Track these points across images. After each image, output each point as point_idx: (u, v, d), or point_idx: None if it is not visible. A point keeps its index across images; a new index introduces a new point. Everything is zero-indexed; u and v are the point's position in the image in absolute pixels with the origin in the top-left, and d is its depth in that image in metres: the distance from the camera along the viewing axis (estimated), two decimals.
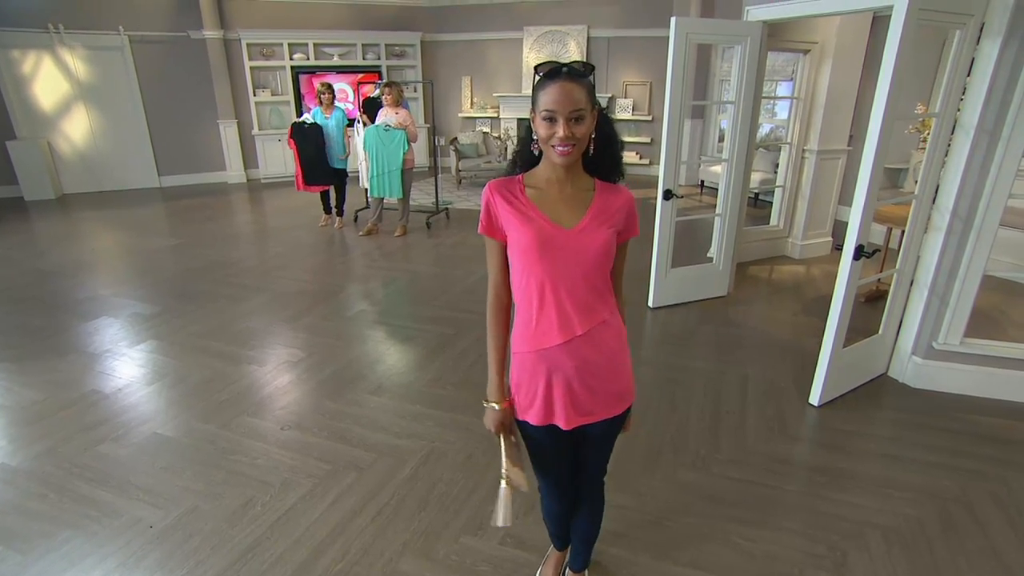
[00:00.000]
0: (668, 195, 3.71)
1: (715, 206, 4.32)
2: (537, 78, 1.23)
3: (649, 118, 8.82)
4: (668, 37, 3.45)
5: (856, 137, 5.59)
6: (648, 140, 8.96)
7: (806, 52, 4.66)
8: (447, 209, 6.84)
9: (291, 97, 8.89)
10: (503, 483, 1.40)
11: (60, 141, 7.84)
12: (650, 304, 4.06)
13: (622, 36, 8.68)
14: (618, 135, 1.34)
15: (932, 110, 5.09)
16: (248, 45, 8.45)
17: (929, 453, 2.53)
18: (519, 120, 9.47)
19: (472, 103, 9.83)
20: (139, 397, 2.96)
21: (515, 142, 8.93)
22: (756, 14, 3.67)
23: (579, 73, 1.21)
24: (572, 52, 8.82)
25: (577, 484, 1.61)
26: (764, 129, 7.43)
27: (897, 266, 3.02)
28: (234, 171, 8.89)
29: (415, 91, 9.54)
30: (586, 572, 1.85)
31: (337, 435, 2.64)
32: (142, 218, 6.87)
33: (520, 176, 1.34)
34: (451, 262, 5.20)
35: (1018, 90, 2.51)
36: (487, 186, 1.33)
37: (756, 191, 6.80)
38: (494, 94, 9.52)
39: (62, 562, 1.94)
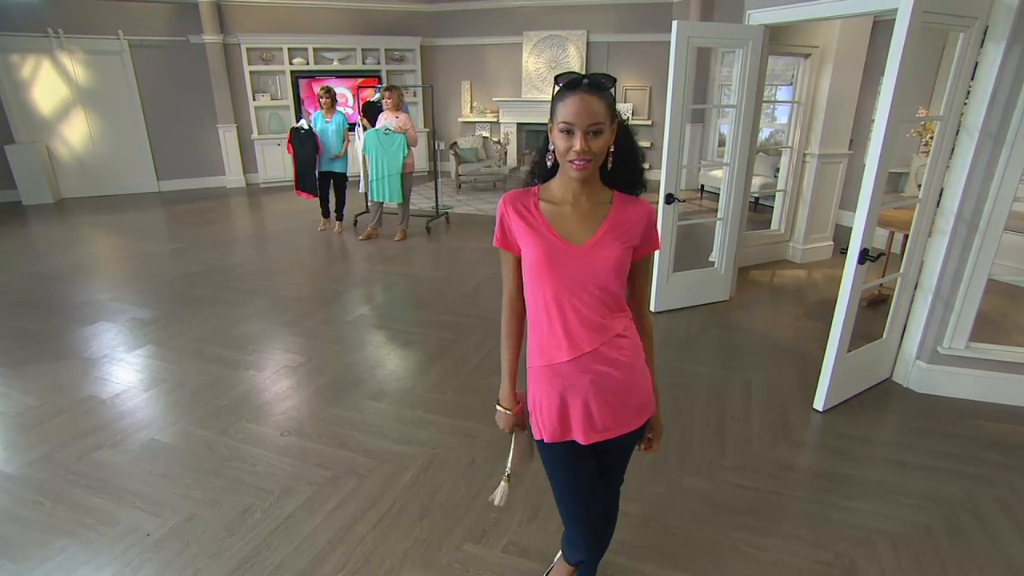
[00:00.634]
0: (670, 199, 3.69)
1: (716, 210, 4.31)
2: (556, 88, 1.20)
3: (649, 122, 8.83)
4: (667, 42, 3.44)
5: (856, 141, 5.60)
6: (648, 144, 8.95)
7: (807, 56, 4.66)
8: (447, 213, 6.82)
9: (291, 102, 8.88)
10: (504, 481, 1.52)
11: (59, 145, 7.81)
12: (652, 308, 4.04)
13: (621, 41, 8.69)
14: (639, 148, 1.32)
15: (933, 113, 5.10)
16: (248, 49, 8.44)
17: (935, 459, 2.50)
18: (519, 125, 9.48)
19: (472, 108, 9.83)
20: (136, 403, 2.92)
21: (520, 148, 8.92)
22: (757, 18, 3.67)
23: (600, 85, 1.18)
24: (571, 57, 8.84)
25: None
26: (764, 133, 7.44)
27: (901, 270, 3.00)
28: (233, 176, 8.87)
29: (415, 95, 9.54)
30: None
31: (337, 441, 2.60)
32: (141, 222, 6.85)
33: (536, 188, 1.33)
34: (451, 266, 5.18)
35: (1022, 94, 2.50)
36: (502, 199, 1.33)
37: (756, 195, 6.79)
38: (494, 98, 9.52)
39: (57, 572, 1.90)
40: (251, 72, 8.54)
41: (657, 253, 3.82)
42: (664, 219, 3.73)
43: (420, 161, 9.02)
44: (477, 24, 9.30)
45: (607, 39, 8.72)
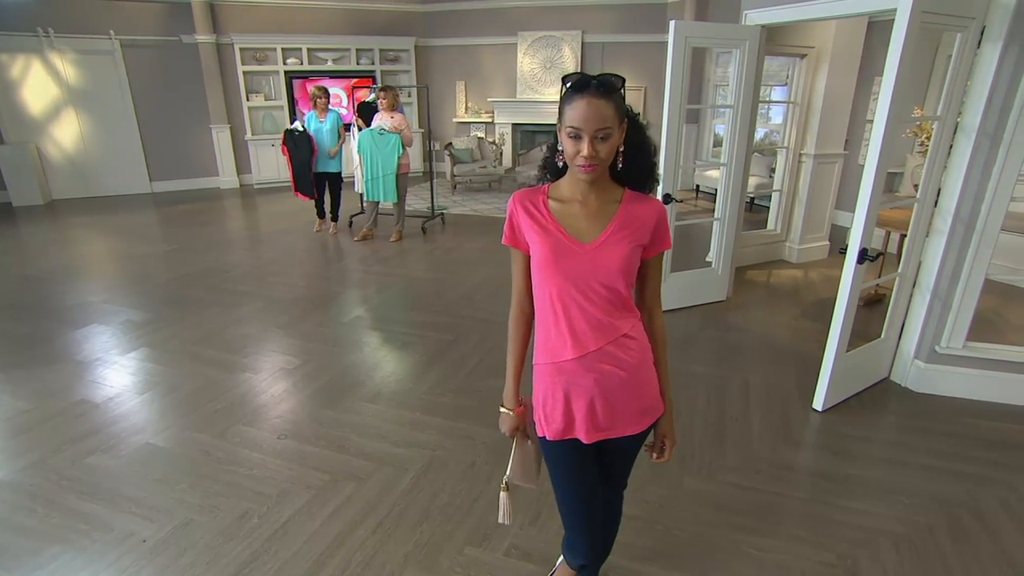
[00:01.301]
0: (667, 199, 3.68)
1: (712, 210, 4.31)
2: (565, 89, 1.18)
3: (644, 123, 8.82)
4: (661, 42, 3.46)
5: (851, 141, 5.62)
6: None
7: (803, 57, 4.67)
8: (443, 214, 6.80)
9: (285, 102, 8.83)
10: (502, 491, 1.51)
11: (49, 146, 7.73)
12: None
13: (616, 42, 8.70)
14: (650, 144, 1.29)
15: (928, 113, 5.13)
16: (241, 49, 8.39)
17: (935, 458, 2.50)
18: (514, 125, 9.46)
19: (467, 108, 9.81)
20: (131, 406, 2.88)
21: (515, 148, 8.92)
22: (754, 18, 3.67)
23: (608, 87, 1.16)
24: (566, 57, 8.84)
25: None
26: (759, 134, 7.45)
27: (899, 270, 3.01)
28: (227, 176, 8.81)
29: (410, 96, 9.51)
30: None
31: (335, 444, 2.58)
32: (134, 224, 6.78)
33: (546, 187, 1.32)
34: (447, 267, 5.15)
35: (1019, 94, 2.51)
36: (512, 197, 1.32)
37: (752, 195, 6.81)
38: (488, 99, 9.51)
39: None
40: (245, 72, 8.49)
41: None
42: None
43: (415, 162, 8.97)
44: (472, 24, 9.28)
45: (602, 39, 8.73)
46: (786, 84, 5.39)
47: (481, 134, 9.39)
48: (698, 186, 8.10)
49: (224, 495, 2.25)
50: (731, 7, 4.72)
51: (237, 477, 2.35)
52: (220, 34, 8.25)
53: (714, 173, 7.38)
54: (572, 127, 1.15)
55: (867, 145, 5.74)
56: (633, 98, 8.86)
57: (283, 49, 8.63)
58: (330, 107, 5.97)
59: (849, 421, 2.79)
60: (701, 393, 3.02)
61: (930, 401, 2.94)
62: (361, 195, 5.97)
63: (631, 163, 1.26)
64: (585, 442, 1.33)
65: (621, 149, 1.23)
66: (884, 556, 1.98)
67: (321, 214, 6.23)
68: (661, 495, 2.27)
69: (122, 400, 2.94)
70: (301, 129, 5.75)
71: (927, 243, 2.90)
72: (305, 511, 2.17)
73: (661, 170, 3.61)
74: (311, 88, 6.05)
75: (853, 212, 2.56)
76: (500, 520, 1.52)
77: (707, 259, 4.46)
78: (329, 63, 8.97)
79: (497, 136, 9.48)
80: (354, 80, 8.91)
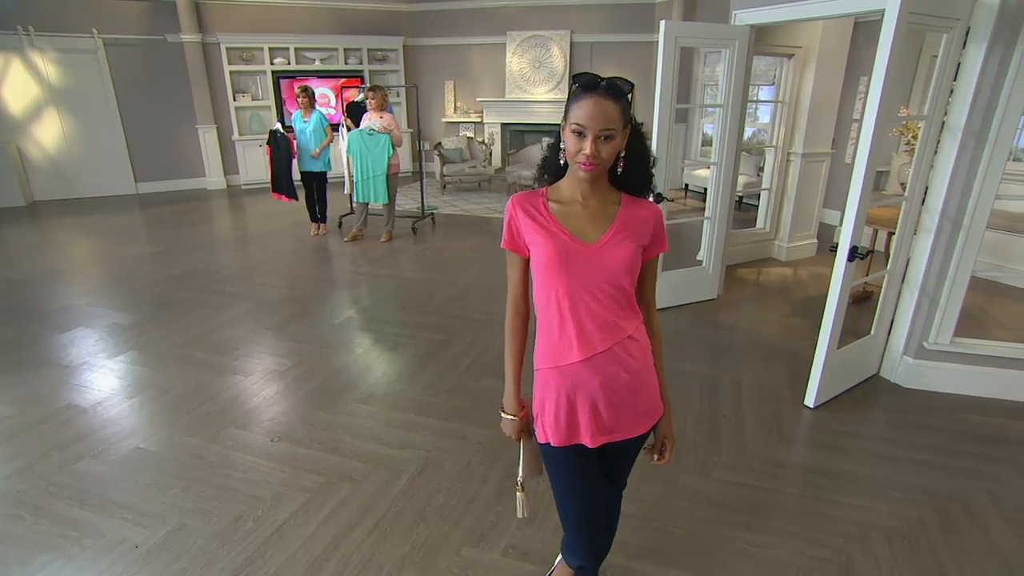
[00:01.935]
0: (659, 198, 3.70)
1: (701, 209, 4.34)
2: (573, 87, 1.19)
3: (645, 132, 8.87)
4: (649, 42, 3.47)
5: (837, 140, 5.68)
6: None
7: (790, 56, 4.72)
8: (433, 214, 6.78)
9: (272, 102, 8.75)
10: (518, 491, 1.53)
11: (30, 146, 7.59)
12: None
13: (605, 41, 8.72)
14: (650, 153, 1.31)
15: (912, 113, 5.21)
16: (227, 49, 8.30)
17: (925, 453, 2.54)
18: (503, 125, 9.46)
19: (456, 108, 9.78)
20: (119, 411, 2.84)
21: (505, 148, 8.90)
22: (743, 18, 3.70)
23: (617, 90, 1.16)
24: (555, 57, 8.85)
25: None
26: (747, 133, 7.51)
27: (888, 267, 3.05)
28: (214, 177, 8.71)
29: (398, 96, 9.47)
30: None
31: (329, 446, 2.56)
32: (119, 225, 6.68)
33: (544, 189, 1.32)
34: (438, 268, 5.14)
35: (1003, 94, 2.56)
36: (510, 200, 1.31)
37: (740, 194, 6.87)
38: (477, 99, 9.49)
39: None
40: (231, 72, 8.40)
41: None
42: None
43: (405, 162, 8.97)
44: (460, 24, 9.26)
45: (590, 39, 8.75)
46: (773, 84, 5.44)
47: (470, 134, 9.38)
48: (687, 185, 8.15)
49: (217, 499, 2.22)
50: (718, 7, 4.76)
51: (230, 481, 2.33)
52: (206, 33, 8.16)
53: (703, 172, 7.43)
54: (577, 124, 1.16)
55: (854, 144, 5.83)
56: None
57: (270, 49, 8.55)
58: (316, 107, 5.92)
59: (840, 417, 2.82)
60: (694, 391, 3.04)
61: (919, 396, 2.98)
62: (351, 196, 5.93)
63: (631, 169, 1.27)
64: (590, 447, 1.33)
65: (622, 154, 1.24)
66: (877, 550, 2.00)
67: (314, 217, 6.17)
68: (656, 493, 2.27)
69: (110, 404, 2.89)
70: (282, 130, 5.70)
71: (915, 241, 2.94)
72: (300, 514, 2.15)
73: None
74: (296, 88, 6.00)
75: (840, 210, 2.60)
76: (519, 515, 1.54)
77: (698, 258, 4.49)
78: (317, 63, 8.90)
79: (486, 136, 9.46)
80: (342, 80, 8.85)
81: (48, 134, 7.66)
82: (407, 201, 7.51)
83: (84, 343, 3.57)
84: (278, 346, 3.56)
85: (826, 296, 2.74)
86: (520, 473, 1.51)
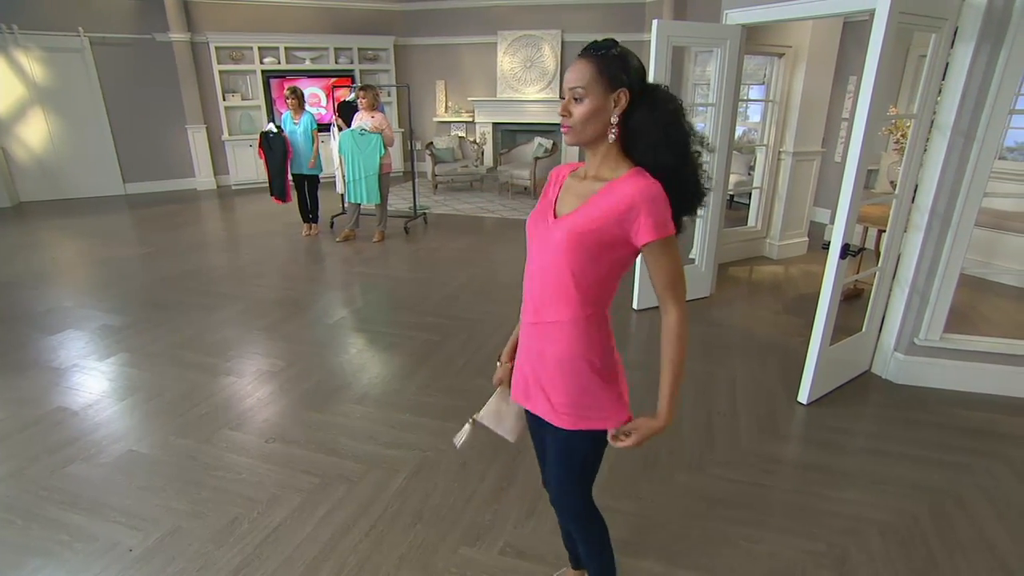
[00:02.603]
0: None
1: None
2: None
3: (667, 100, 8.89)
4: (640, 41, 3.49)
5: (827, 139, 5.73)
6: None
7: (781, 56, 4.75)
8: (425, 214, 6.76)
9: (262, 102, 8.69)
10: (468, 424, 1.59)
11: (15, 146, 7.49)
12: (635, 306, 4.07)
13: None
14: (660, 123, 1.14)
15: (901, 111, 5.26)
16: (217, 48, 8.23)
17: (917, 448, 2.57)
18: (495, 124, 9.44)
19: (447, 107, 9.76)
20: (111, 413, 2.81)
21: (496, 147, 8.83)
22: (735, 17, 3.72)
23: (593, 48, 1.14)
24: (546, 56, 8.85)
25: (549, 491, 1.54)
26: (737, 132, 7.56)
27: (879, 264, 3.08)
28: (203, 177, 8.64)
29: (389, 95, 9.44)
30: None
31: (324, 447, 2.55)
32: (107, 226, 6.61)
33: (581, 163, 1.33)
34: (431, 267, 5.13)
35: (991, 92, 2.59)
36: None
37: (731, 193, 6.91)
38: (469, 98, 9.48)
39: None
40: (221, 71, 8.33)
41: None
42: None
43: (396, 161, 8.93)
44: (451, 23, 9.25)
45: (581, 38, 8.74)
46: (763, 83, 5.49)
47: (462, 133, 9.36)
48: None
49: (212, 501, 2.20)
50: (708, 6, 4.79)
51: (225, 482, 2.31)
52: (195, 32, 8.09)
53: None
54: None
55: (843, 143, 5.88)
56: None
57: (260, 48, 8.49)
58: (306, 108, 5.88)
59: (833, 413, 2.84)
60: (688, 388, 3.05)
61: (910, 392, 3.02)
62: (343, 196, 5.90)
63: (635, 142, 1.17)
64: (511, 398, 1.47)
65: (614, 120, 1.16)
66: (871, 544, 2.02)
67: (306, 218, 6.13)
68: (652, 490, 2.28)
69: (102, 407, 2.86)
70: (275, 131, 5.66)
71: (905, 238, 2.97)
72: (296, 515, 2.13)
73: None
74: (285, 89, 5.96)
75: (831, 208, 2.63)
76: (454, 441, 1.57)
77: (690, 256, 4.51)
78: (307, 62, 8.85)
79: (478, 135, 9.45)
80: (333, 80, 8.80)
81: (34, 134, 7.56)
82: (399, 201, 7.49)
83: (74, 345, 3.53)
84: (271, 347, 3.54)
85: (817, 293, 2.77)
86: (480, 413, 1.59)
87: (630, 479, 2.33)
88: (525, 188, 8.25)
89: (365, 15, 9.09)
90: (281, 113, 6.03)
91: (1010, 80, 2.54)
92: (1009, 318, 3.92)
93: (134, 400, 2.92)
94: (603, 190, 1.18)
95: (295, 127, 5.70)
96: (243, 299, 4.30)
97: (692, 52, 7.77)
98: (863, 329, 3.15)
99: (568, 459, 1.40)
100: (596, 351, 1.27)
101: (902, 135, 4.43)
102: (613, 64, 1.13)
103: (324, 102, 8.83)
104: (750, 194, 5.51)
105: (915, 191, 2.91)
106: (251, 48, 8.44)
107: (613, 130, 1.17)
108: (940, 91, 2.76)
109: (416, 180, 6.89)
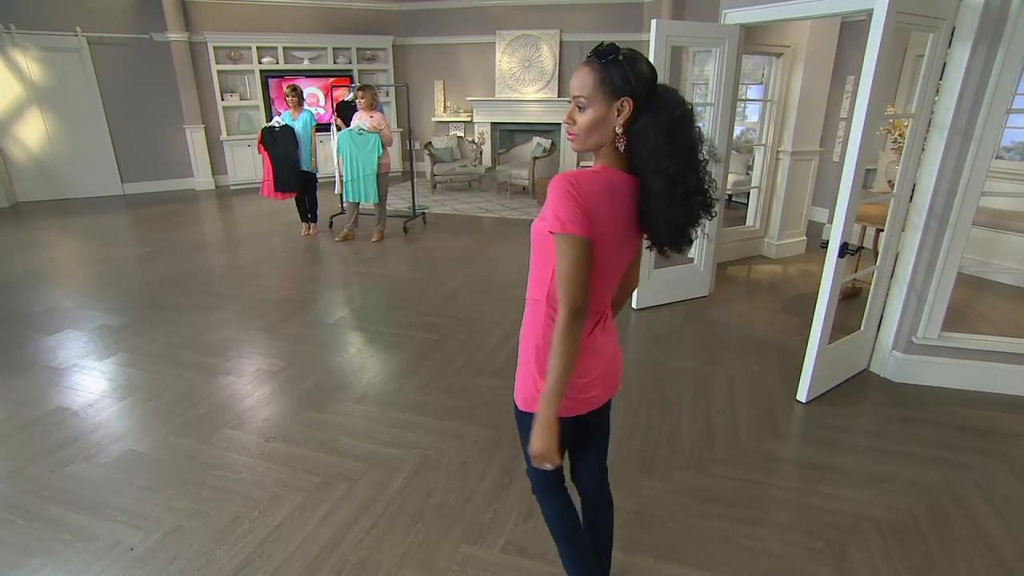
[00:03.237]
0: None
1: None
2: None
3: (674, 104, 8.89)
4: (639, 41, 3.48)
5: (825, 139, 5.75)
6: None
7: (779, 56, 4.76)
8: (424, 214, 6.76)
9: (260, 101, 8.68)
10: None
11: (13, 146, 7.47)
12: (635, 306, 4.08)
13: (594, 40, 8.69)
14: (663, 129, 1.11)
15: (898, 111, 5.28)
16: (215, 48, 8.22)
17: (915, 446, 2.58)
18: (493, 124, 9.45)
19: (445, 107, 9.77)
20: (111, 413, 2.81)
21: (495, 147, 8.80)
22: (733, 17, 3.73)
23: (596, 55, 1.13)
24: (545, 56, 8.86)
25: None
26: (735, 132, 7.57)
27: (878, 263, 3.09)
28: (202, 177, 8.63)
29: (387, 95, 9.43)
30: None
31: (325, 446, 2.55)
32: (105, 226, 6.60)
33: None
34: (430, 267, 5.13)
35: (988, 92, 2.60)
36: None
37: (730, 192, 6.92)
38: (467, 98, 9.48)
39: None
40: (219, 71, 8.32)
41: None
42: None
43: (395, 161, 8.93)
44: (449, 23, 9.25)
45: (580, 38, 8.76)
46: (761, 83, 5.50)
47: (460, 133, 9.37)
48: None
49: (213, 500, 2.20)
50: (707, 6, 4.80)
51: (226, 481, 2.31)
52: (193, 32, 8.08)
53: None
54: None
55: (841, 142, 5.90)
56: None
57: (258, 48, 8.49)
58: (305, 106, 5.88)
59: (832, 412, 2.85)
60: (688, 387, 3.06)
61: (908, 390, 3.03)
62: (341, 196, 5.89)
63: (639, 151, 1.14)
64: None
65: (619, 130, 1.14)
66: (870, 541, 2.03)
67: (304, 218, 6.11)
68: (652, 488, 2.29)
69: (101, 407, 2.86)
70: (281, 124, 5.64)
71: (903, 237, 2.98)
72: (297, 514, 2.14)
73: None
74: (284, 87, 5.95)
75: (829, 208, 2.64)
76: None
77: (689, 255, 4.52)
78: (305, 62, 8.85)
79: (477, 135, 9.46)
80: (331, 79, 8.80)
81: (31, 134, 7.55)
82: (397, 200, 7.49)
83: (73, 345, 3.53)
84: (271, 347, 3.54)
85: (815, 292, 2.78)
86: None
87: (629, 477, 2.33)
88: (523, 188, 8.26)
89: (363, 15, 9.09)
90: (280, 112, 6.01)
91: (1007, 79, 2.55)
92: (1007, 317, 3.94)
93: (133, 400, 2.92)
94: None
95: (294, 124, 5.70)
96: (242, 299, 4.30)
97: (690, 52, 7.78)
98: (861, 328, 3.16)
99: (518, 427, 1.45)
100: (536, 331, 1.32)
101: (900, 134, 4.44)
102: (616, 72, 1.11)
103: (323, 102, 8.83)
104: (748, 193, 5.53)
105: (913, 190, 2.92)
106: (249, 48, 8.44)
107: (621, 142, 1.15)
108: (938, 91, 2.77)
109: (415, 180, 6.89)
